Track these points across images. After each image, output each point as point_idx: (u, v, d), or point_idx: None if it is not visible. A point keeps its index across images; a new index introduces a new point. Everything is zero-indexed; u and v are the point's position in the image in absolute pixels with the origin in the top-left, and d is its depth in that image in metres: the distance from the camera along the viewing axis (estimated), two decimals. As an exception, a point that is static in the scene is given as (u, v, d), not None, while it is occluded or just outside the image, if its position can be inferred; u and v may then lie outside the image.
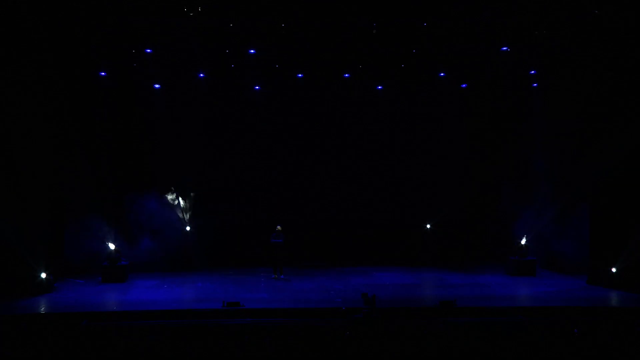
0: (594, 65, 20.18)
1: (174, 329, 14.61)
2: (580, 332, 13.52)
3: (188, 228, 23.65)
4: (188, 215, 23.61)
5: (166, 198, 23.45)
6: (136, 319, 16.55)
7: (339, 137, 24.65)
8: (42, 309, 17.92)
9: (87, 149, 22.32)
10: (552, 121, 22.16)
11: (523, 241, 22.57)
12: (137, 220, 22.65)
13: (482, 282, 21.34)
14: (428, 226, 24.89)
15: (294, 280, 21.87)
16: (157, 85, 23.13)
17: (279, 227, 22.02)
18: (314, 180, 24.67)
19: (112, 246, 21.63)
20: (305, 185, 24.62)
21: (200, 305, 18.14)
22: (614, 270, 20.16)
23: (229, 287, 20.60)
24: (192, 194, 23.65)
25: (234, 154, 24.16)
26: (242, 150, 24.19)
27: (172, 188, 23.45)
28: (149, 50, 21.30)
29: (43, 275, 19.76)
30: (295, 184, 24.58)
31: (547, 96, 22.58)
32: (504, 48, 21.55)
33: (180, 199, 23.48)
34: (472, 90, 24.13)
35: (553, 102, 22.08)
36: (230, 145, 24.14)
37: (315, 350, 12.40)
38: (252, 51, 21.65)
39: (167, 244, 23.19)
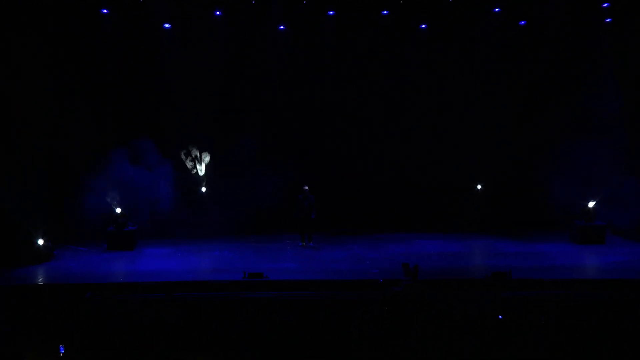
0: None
1: (188, 303, 14.73)
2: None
3: (204, 189, 23.66)
4: (204, 175, 23.61)
5: (180, 155, 23.44)
6: (146, 292, 16.74)
7: (375, 86, 24.28)
8: (40, 280, 18.19)
9: (89, 99, 22.26)
10: (629, 61, 21.69)
11: (591, 204, 22.29)
12: (146, 180, 22.76)
13: (542, 251, 21.20)
14: (479, 187, 24.63)
15: (324, 248, 21.91)
16: (167, 25, 23.00)
17: (306, 188, 21.94)
18: (346, 135, 24.36)
19: (118, 209, 21.77)
20: (336, 141, 24.36)
21: (218, 276, 18.25)
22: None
23: (250, 256, 20.76)
24: (208, 150, 23.58)
25: (255, 104, 23.95)
26: (265, 99, 23.97)
27: (187, 143, 23.41)
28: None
29: (40, 241, 20.00)
30: (325, 139, 24.33)
31: (623, 31, 22.07)
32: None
33: (195, 155, 23.47)
34: (531, 28, 23.63)
35: (631, 38, 21.58)
36: (251, 94, 23.91)
37: (348, 328, 12.43)
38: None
39: (180, 206, 23.29)
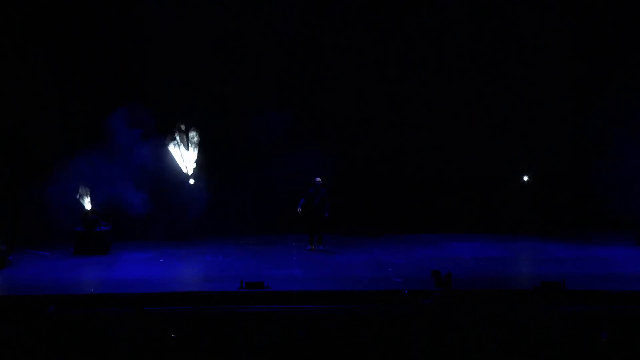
0: None
1: (172, 319, 14.65)
2: None
3: (192, 181, 23.58)
4: (193, 164, 23.54)
5: (164, 140, 23.36)
6: (121, 305, 16.66)
7: (397, 55, 24.34)
8: (-6, 291, 18.19)
9: (55, 72, 22.37)
10: None
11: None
12: (121, 169, 22.69)
13: (602, 256, 21.23)
14: (525, 178, 24.54)
15: (336, 252, 21.98)
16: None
17: (318, 179, 21.86)
18: (362, 115, 24.45)
19: (88, 205, 21.68)
20: (350, 122, 24.42)
21: (209, 286, 18.35)
22: None
23: (249, 262, 20.86)
24: (199, 134, 23.50)
25: (257, 76, 23.95)
26: (267, 71, 23.98)
27: (173, 127, 23.32)
28: None
29: (-7, 245, 20.03)
30: (338, 121, 24.41)
31: None
32: None
33: (182, 141, 23.39)
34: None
35: None
36: (252, 64, 23.92)
37: (366, 349, 12.30)
38: None
39: (164, 202, 23.23)
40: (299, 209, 21.77)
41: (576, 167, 24.06)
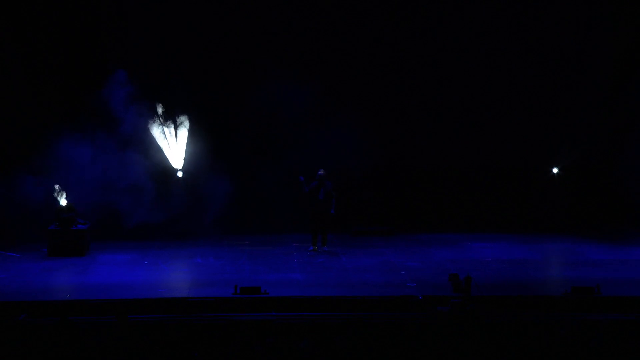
0: None
1: (158, 328, 14.64)
2: None
3: (180, 174, 23.57)
4: (182, 154, 23.55)
5: (148, 126, 23.35)
6: (101, 313, 16.63)
7: (412, 36, 24.43)
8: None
9: (23, 51, 22.47)
10: None
11: None
12: (100, 162, 22.70)
13: (641, 258, 21.32)
14: (555, 170, 24.50)
15: (343, 253, 22.00)
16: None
17: (321, 172, 21.84)
18: (371, 102, 24.59)
19: (63, 201, 21.67)
20: (357, 111, 24.36)
21: (200, 291, 18.30)
22: None
23: (244, 265, 20.88)
24: (187, 119, 23.51)
25: (251, 58, 23.99)
26: (263, 53, 24.01)
27: (158, 111, 23.32)
28: None
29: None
30: (343, 109, 24.32)
31: None
32: None
33: (168, 127, 23.39)
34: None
35: None
36: (246, 47, 23.99)
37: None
38: None
39: (149, 198, 23.21)
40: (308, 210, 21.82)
41: (611, 159, 24.05)
